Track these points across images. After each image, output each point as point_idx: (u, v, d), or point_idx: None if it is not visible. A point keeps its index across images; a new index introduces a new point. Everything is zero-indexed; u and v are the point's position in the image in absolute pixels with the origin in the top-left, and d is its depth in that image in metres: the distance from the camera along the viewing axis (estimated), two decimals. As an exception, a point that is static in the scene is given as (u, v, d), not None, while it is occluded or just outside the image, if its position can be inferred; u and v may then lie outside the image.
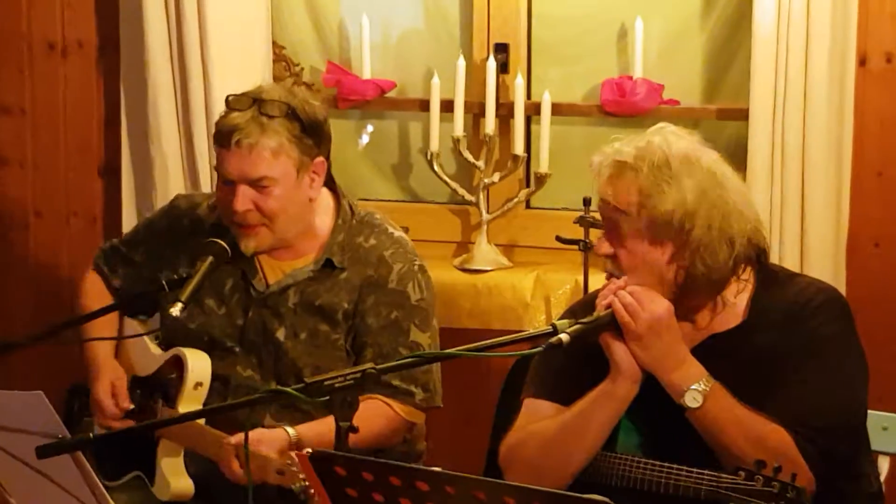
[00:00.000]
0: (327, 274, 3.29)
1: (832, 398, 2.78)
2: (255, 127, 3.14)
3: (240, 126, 3.14)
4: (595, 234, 4.06)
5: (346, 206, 3.34)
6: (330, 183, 3.37)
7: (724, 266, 2.82)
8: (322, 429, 3.00)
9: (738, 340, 2.86)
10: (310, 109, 3.21)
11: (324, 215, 3.34)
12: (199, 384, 3.24)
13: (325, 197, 3.36)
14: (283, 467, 2.83)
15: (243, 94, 3.20)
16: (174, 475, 3.23)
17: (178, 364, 3.28)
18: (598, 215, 3.94)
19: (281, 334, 3.29)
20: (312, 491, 2.57)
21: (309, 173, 3.23)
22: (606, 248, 2.85)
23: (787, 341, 2.81)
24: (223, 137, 3.16)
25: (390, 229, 3.36)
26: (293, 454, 2.80)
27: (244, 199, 3.17)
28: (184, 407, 3.23)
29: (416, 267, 3.32)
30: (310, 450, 2.29)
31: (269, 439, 3.00)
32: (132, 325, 3.49)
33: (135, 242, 3.52)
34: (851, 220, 4.08)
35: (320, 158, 3.26)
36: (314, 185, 3.26)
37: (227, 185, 3.20)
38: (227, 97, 3.22)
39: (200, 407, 3.23)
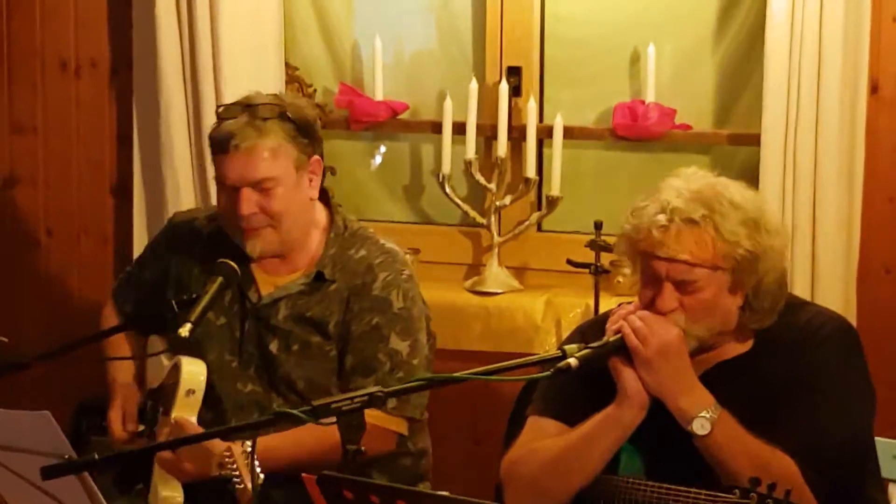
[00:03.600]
0: (318, 286, 3.32)
1: (838, 429, 2.77)
2: (252, 130, 3.21)
3: (236, 131, 3.21)
4: (606, 257, 4.07)
5: (339, 221, 3.38)
6: (324, 198, 3.41)
7: (778, 306, 2.83)
8: (271, 442, 3.02)
9: (746, 368, 2.86)
10: (300, 110, 3.30)
11: (317, 230, 3.38)
12: (190, 391, 3.26)
13: (320, 212, 3.40)
14: (223, 460, 2.90)
15: (233, 103, 3.29)
16: (164, 484, 3.23)
17: (176, 371, 3.31)
18: (609, 239, 4.00)
19: (274, 347, 3.32)
20: (241, 486, 2.81)
21: (307, 172, 3.30)
22: (672, 303, 2.79)
23: (795, 370, 2.80)
24: (221, 144, 3.22)
25: (381, 241, 3.39)
26: (231, 445, 2.90)
27: (248, 202, 3.23)
28: (177, 414, 3.26)
29: (403, 276, 3.34)
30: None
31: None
32: (155, 343, 3.54)
33: (143, 264, 3.60)
34: (862, 246, 4.07)
35: (316, 157, 3.32)
36: (313, 185, 3.33)
37: (228, 191, 3.25)
38: (217, 107, 3.31)
39: (195, 415, 3.27)
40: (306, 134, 3.28)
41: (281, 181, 3.24)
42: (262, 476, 2.84)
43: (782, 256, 2.84)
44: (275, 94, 3.35)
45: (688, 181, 2.83)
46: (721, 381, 2.82)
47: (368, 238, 3.38)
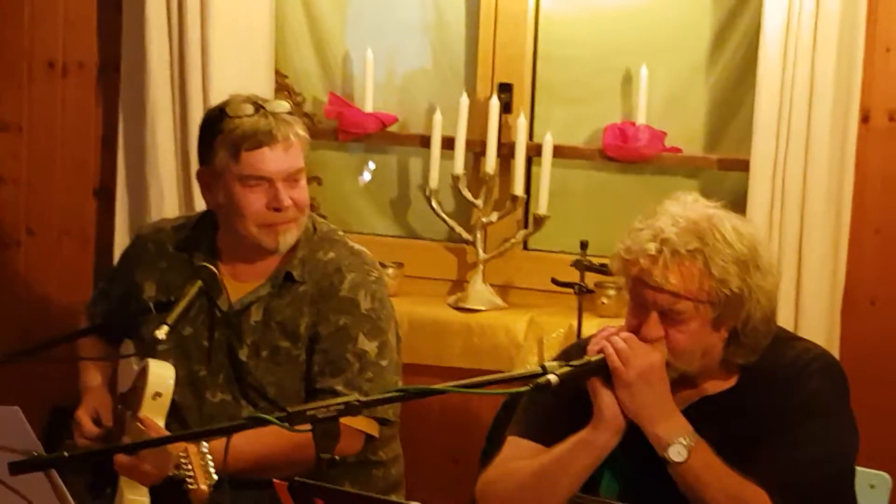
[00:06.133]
0: (288, 288, 3.32)
1: (817, 467, 2.74)
2: (284, 124, 3.24)
3: (273, 124, 3.23)
4: (591, 278, 4.05)
5: (308, 223, 3.37)
6: None
7: (764, 344, 2.80)
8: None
9: (730, 403, 2.83)
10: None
11: None
12: (157, 394, 3.23)
13: None
14: (179, 461, 2.94)
15: (241, 103, 3.27)
16: (130, 488, 3.21)
17: (144, 374, 3.29)
18: (595, 259, 3.98)
19: (243, 354, 3.30)
20: (194, 486, 2.88)
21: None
22: (657, 332, 2.76)
23: (780, 407, 2.77)
24: (258, 138, 3.22)
25: (350, 243, 3.40)
26: (187, 446, 2.93)
27: (286, 195, 3.25)
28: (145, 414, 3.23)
29: (371, 278, 3.33)
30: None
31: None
32: (128, 349, 3.52)
33: (113, 278, 3.60)
34: (848, 276, 4.06)
35: None
36: None
37: (261, 186, 3.24)
38: (224, 109, 3.28)
39: (162, 417, 3.23)
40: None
41: (303, 171, 3.30)
42: (215, 477, 2.90)
43: (772, 296, 2.80)
44: (255, 95, 3.34)
45: (686, 209, 2.79)
46: (704, 417, 2.78)
47: (337, 241, 3.38)
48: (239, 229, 3.29)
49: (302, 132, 3.28)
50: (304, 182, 3.29)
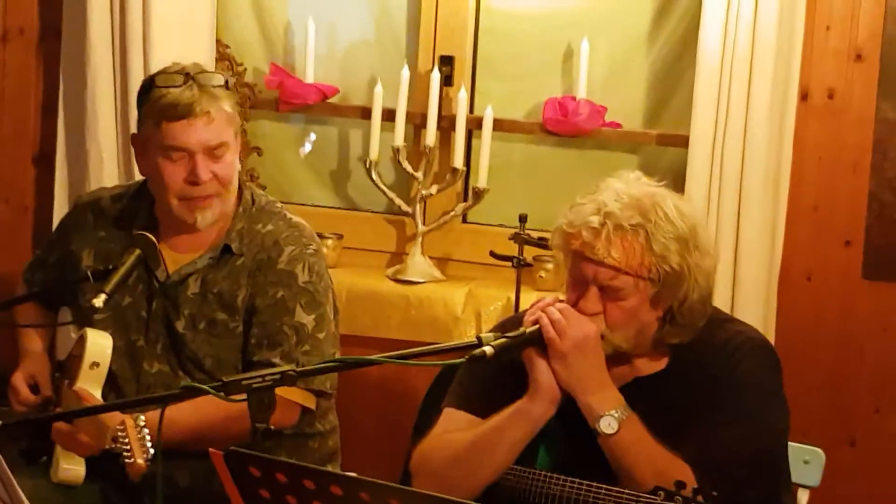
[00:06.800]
0: (226, 261, 3.31)
1: (743, 445, 2.75)
2: (208, 96, 3.22)
3: (195, 97, 3.20)
4: (529, 251, 4.06)
5: (247, 195, 3.37)
6: None
7: (699, 324, 2.82)
8: (169, 413, 2.97)
9: (663, 385, 2.85)
10: (231, 81, 3.37)
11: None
12: (95, 364, 3.23)
13: None
14: (116, 433, 2.94)
15: (173, 73, 3.26)
16: (66, 457, 3.21)
17: (82, 343, 3.28)
18: (534, 233, 3.99)
19: (180, 326, 3.30)
20: (131, 460, 2.89)
21: (239, 143, 3.34)
22: (595, 307, 2.77)
23: (709, 388, 2.79)
24: (178, 110, 3.20)
25: (289, 215, 3.39)
26: (125, 419, 2.94)
27: (205, 168, 3.23)
28: (80, 386, 3.22)
29: (309, 251, 3.33)
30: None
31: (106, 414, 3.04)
32: (66, 316, 3.51)
33: (50, 246, 3.59)
34: (785, 252, 4.09)
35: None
36: (240, 155, 3.38)
37: (181, 159, 3.23)
38: (155, 79, 3.27)
39: (99, 387, 3.23)
40: (239, 104, 3.36)
41: (230, 147, 3.27)
42: (152, 451, 2.90)
43: (709, 277, 2.81)
44: (197, 65, 3.32)
45: (629, 186, 2.80)
46: (637, 398, 2.79)
47: (276, 213, 3.37)
48: (162, 201, 3.29)
49: (229, 108, 3.25)
50: (228, 157, 3.26)
